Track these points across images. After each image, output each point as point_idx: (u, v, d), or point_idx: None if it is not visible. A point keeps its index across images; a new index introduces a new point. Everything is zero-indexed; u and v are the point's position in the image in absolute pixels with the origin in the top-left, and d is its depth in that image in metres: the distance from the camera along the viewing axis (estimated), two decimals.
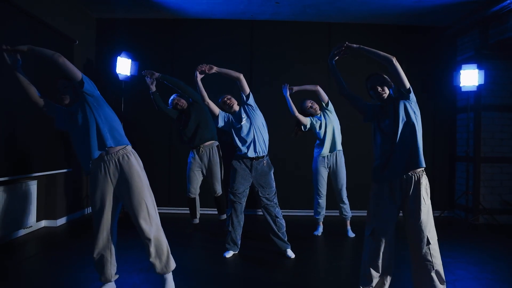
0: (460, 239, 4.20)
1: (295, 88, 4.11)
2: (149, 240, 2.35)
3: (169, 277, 2.47)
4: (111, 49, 5.17)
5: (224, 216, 4.13)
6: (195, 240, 4.02)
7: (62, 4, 4.57)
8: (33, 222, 4.03)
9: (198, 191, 4.18)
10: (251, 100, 3.37)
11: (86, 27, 5.20)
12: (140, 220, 2.33)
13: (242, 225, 3.43)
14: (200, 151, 4.05)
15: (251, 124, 3.33)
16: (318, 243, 3.99)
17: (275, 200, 3.39)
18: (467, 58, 5.23)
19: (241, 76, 3.23)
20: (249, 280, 2.90)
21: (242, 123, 3.33)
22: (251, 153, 3.31)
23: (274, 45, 5.46)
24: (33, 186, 4.01)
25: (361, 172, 5.04)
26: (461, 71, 4.83)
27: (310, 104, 4.12)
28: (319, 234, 4.21)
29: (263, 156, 3.37)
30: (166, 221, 4.91)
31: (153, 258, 2.38)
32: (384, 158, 2.27)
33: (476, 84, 4.76)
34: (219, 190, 4.15)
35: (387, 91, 2.34)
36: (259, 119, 3.39)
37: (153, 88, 3.96)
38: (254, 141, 3.31)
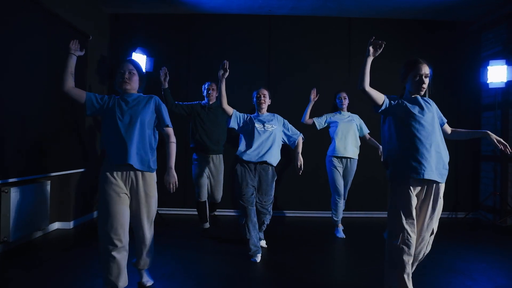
0: (491, 242, 4.00)
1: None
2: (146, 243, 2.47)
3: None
4: (126, 45, 5.02)
5: (207, 225, 4.10)
6: (212, 244, 3.86)
7: None
8: (47, 224, 3.89)
9: (206, 194, 4.05)
10: None
11: (99, 22, 5.06)
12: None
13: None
14: (209, 156, 3.96)
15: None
16: (343, 246, 3.83)
17: (269, 209, 3.39)
18: (493, 53, 5.04)
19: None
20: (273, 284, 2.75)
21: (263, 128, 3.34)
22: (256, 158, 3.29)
23: (293, 41, 5.29)
24: (47, 186, 3.86)
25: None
26: (489, 67, 4.64)
27: (344, 95, 4.19)
28: (343, 236, 4.07)
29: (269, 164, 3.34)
30: (182, 223, 4.82)
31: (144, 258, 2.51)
32: None
33: (505, 80, 4.57)
34: (219, 197, 4.13)
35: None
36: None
37: (166, 84, 3.94)
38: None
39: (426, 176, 2.14)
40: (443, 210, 5.17)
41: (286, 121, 3.51)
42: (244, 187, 3.20)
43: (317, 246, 3.76)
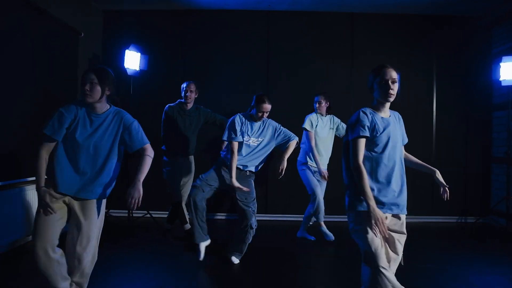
0: (506, 251, 3.70)
1: None
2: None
3: None
4: (119, 42, 4.85)
5: (188, 226, 3.99)
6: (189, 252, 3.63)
7: None
8: (29, 232, 3.69)
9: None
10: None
11: (92, 19, 4.90)
12: None
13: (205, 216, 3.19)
14: (188, 158, 3.91)
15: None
16: (331, 254, 3.58)
17: (253, 207, 3.16)
18: (505, 49, 4.75)
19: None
20: None
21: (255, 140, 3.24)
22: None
23: (292, 37, 5.07)
24: (29, 191, 3.62)
25: None
26: (502, 64, 4.37)
27: (321, 99, 3.89)
28: (332, 239, 3.91)
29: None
30: (173, 230, 4.56)
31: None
32: None
33: None
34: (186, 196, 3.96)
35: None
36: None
37: None
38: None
39: (392, 212, 1.97)
40: (452, 214, 5.00)
41: (278, 126, 3.27)
42: (203, 182, 3.14)
43: (307, 256, 3.52)
